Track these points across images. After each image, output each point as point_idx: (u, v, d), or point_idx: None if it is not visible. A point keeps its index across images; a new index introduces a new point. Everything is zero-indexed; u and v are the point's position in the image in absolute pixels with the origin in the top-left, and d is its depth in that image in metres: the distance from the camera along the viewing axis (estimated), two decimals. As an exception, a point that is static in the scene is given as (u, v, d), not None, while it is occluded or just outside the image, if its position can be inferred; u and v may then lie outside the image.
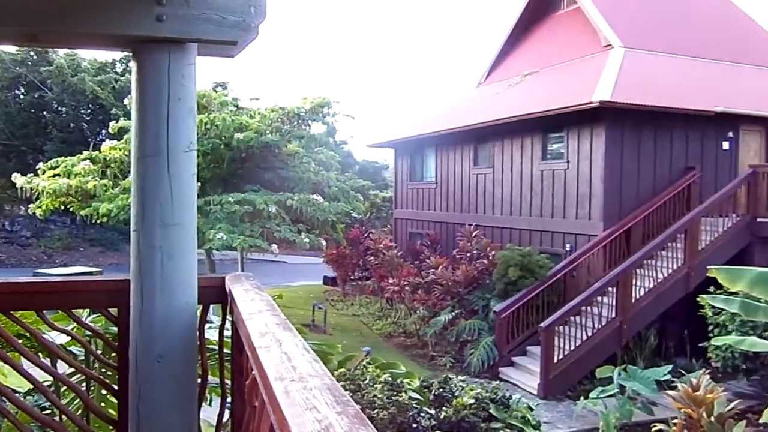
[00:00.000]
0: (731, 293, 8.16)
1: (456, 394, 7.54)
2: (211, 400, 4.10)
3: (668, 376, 10.33)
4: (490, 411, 7.42)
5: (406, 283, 16.60)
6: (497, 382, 12.87)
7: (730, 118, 15.60)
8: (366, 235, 22.71)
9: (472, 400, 7.36)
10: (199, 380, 3.00)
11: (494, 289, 14.80)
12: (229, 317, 3.00)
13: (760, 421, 8.64)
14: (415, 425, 6.83)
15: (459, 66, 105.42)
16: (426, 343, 15.53)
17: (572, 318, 12.92)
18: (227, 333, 3.13)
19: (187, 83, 2.76)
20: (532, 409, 7.89)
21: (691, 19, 19.32)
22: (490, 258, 15.47)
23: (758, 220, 14.10)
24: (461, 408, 7.25)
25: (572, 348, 12.50)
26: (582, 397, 11.00)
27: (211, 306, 3.31)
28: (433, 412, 7.27)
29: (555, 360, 12.37)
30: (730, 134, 16.23)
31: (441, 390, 7.61)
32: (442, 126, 20.39)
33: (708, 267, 7.34)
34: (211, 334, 3.83)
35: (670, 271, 13.28)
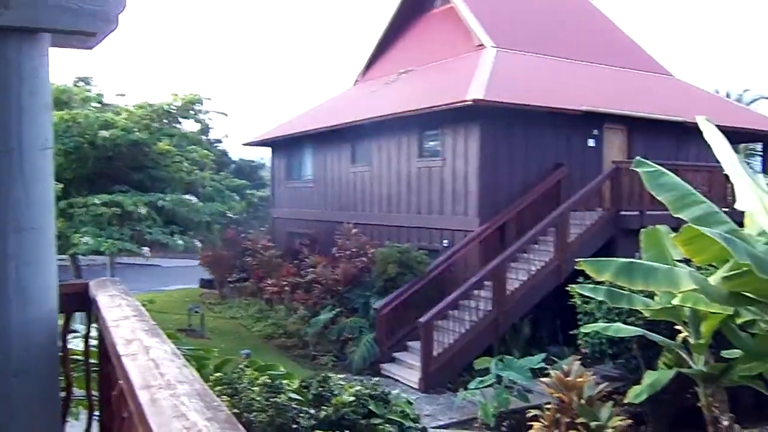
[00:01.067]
0: (598, 283, 8.44)
1: (335, 392, 7.37)
2: (77, 415, 3.78)
3: (542, 364, 10.65)
4: (370, 407, 7.30)
5: (285, 283, 16.30)
6: (378, 378, 12.89)
7: (595, 116, 16.37)
8: (243, 235, 22.14)
9: (352, 398, 7.22)
10: (63, 394, 2.71)
11: (374, 286, 14.78)
12: (94, 325, 2.84)
13: (625, 401, 9.06)
14: (295, 426, 6.60)
15: (337, 62, 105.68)
16: (307, 343, 15.28)
17: (451, 312, 13.09)
18: (93, 342, 2.94)
19: (40, 76, 2.48)
20: (411, 404, 7.84)
21: (559, 22, 20.21)
22: (370, 256, 15.45)
23: (621, 213, 14.86)
24: (341, 406, 7.09)
25: (451, 341, 12.67)
26: (461, 389, 11.16)
27: (78, 314, 3.04)
28: (313, 411, 7.07)
29: (435, 354, 12.48)
30: (596, 132, 17.04)
31: (320, 389, 7.42)
32: (319, 123, 20.23)
33: (576, 259, 7.57)
34: (77, 344, 3.52)
35: (542, 263, 13.74)
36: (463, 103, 14.18)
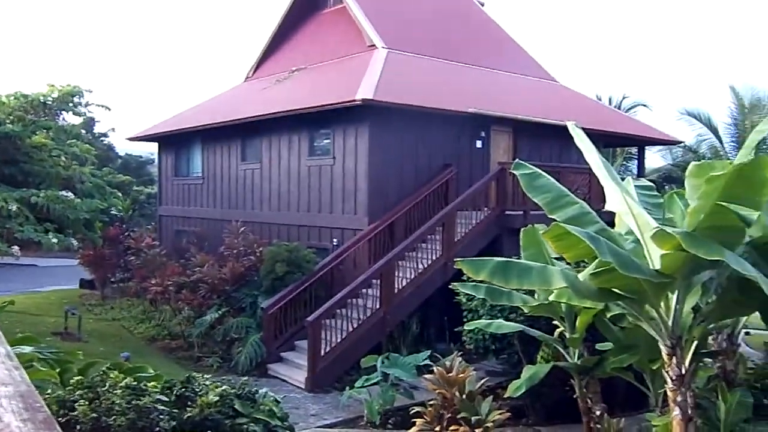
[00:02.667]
0: (481, 280, 8.64)
1: (200, 392, 7.18)
2: None
3: (427, 361, 10.80)
4: (235, 407, 7.15)
5: (170, 282, 15.76)
6: (266, 379, 12.70)
7: (483, 118, 16.81)
8: (126, 233, 21.25)
9: (217, 398, 7.05)
10: None
11: (262, 285, 14.56)
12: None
13: (505, 395, 9.34)
14: (157, 429, 6.37)
15: (228, 58, 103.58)
16: (192, 345, 14.85)
17: (339, 311, 13.08)
18: None
19: None
20: (278, 402, 7.73)
21: (449, 25, 20.63)
22: (258, 254, 15.20)
23: (506, 212, 15.34)
24: (206, 406, 6.91)
25: (339, 340, 12.65)
26: (348, 387, 11.16)
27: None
28: (176, 412, 6.86)
29: (322, 353, 12.43)
30: (483, 134, 17.50)
31: (183, 390, 7.19)
32: (208, 119, 19.74)
33: (455, 259, 7.71)
34: None
35: (429, 261, 13.96)
36: (352, 103, 14.21)
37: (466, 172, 16.67)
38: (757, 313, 7.15)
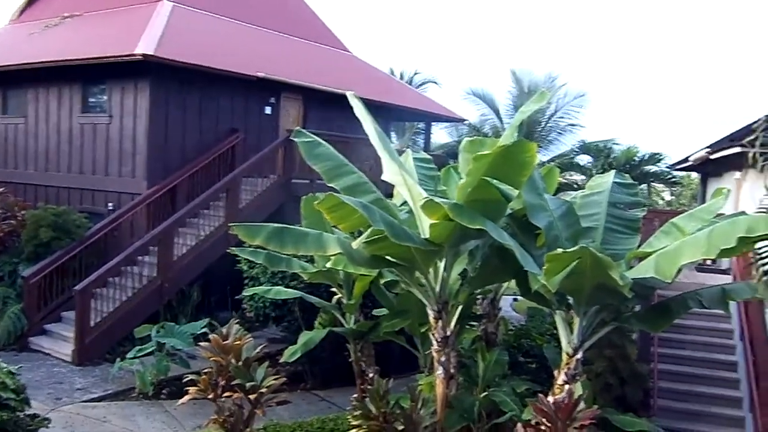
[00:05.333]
0: (260, 246, 8.56)
1: None
2: None
3: (206, 330, 10.54)
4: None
5: None
6: (26, 353, 11.71)
7: (273, 84, 16.57)
8: None
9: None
10: None
11: (23, 252, 13.27)
12: None
13: (281, 360, 9.40)
14: None
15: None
16: (-62, 318, 13.18)
17: (112, 279, 12.32)
18: None
19: None
20: (13, 374, 7.09)
21: (241, -15, 19.97)
22: (19, 218, 13.80)
23: (293, 180, 15.34)
24: None
25: (111, 310, 11.92)
26: (119, 359, 10.60)
27: None
28: None
29: (92, 324, 11.66)
30: (272, 100, 17.29)
31: None
32: (-38, 65, 17.43)
33: (229, 224, 7.56)
34: None
35: (212, 228, 13.58)
36: (132, 57, 13.30)
37: (255, 138, 16.39)
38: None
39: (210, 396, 7.82)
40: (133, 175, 14.55)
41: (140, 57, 13.17)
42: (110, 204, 14.74)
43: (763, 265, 5.99)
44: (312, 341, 9.34)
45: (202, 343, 8.34)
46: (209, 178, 14.67)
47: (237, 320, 8.69)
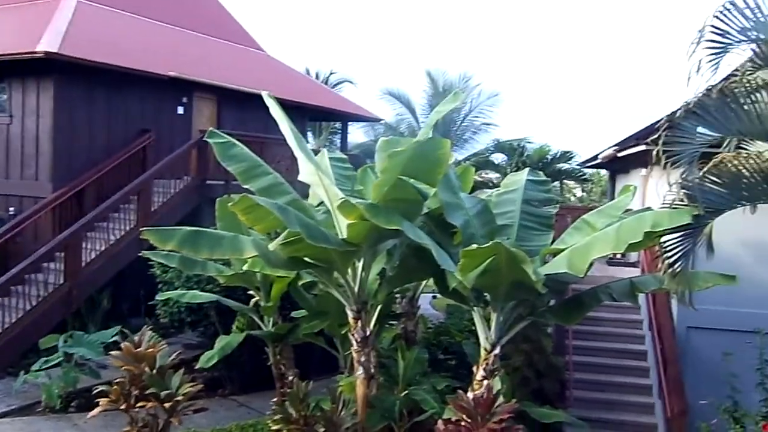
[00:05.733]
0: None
1: None
2: None
3: (117, 338, 10.14)
4: None
5: None
6: None
7: (186, 84, 16.14)
8: None
9: None
10: None
11: None
12: None
13: (197, 366, 9.17)
14: None
15: None
16: None
17: (14, 288, 11.66)
18: None
19: None
20: None
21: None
22: None
23: (207, 182, 14.98)
24: None
25: (13, 320, 11.26)
26: (23, 372, 10.07)
27: None
28: None
29: (-7, 336, 11.00)
30: (185, 99, 16.83)
31: None
32: None
33: (141, 229, 7.29)
34: None
35: (123, 232, 13.08)
36: (33, 55, 12.67)
37: (167, 139, 15.92)
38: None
39: (122, 407, 7.55)
40: (36, 178, 13.86)
41: (42, 55, 12.57)
42: (11, 209, 13.99)
43: (669, 257, 6.22)
44: (229, 346, 9.16)
45: (113, 352, 8.04)
46: (119, 180, 14.12)
47: (150, 327, 8.43)
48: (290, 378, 9.28)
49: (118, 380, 7.87)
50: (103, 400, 7.61)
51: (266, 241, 7.18)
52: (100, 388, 7.85)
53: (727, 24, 5.76)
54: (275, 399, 8.88)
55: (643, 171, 13.89)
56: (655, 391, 10.04)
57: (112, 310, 13.26)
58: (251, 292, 9.54)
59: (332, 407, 7.33)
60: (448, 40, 79.44)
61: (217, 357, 8.94)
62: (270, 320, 9.51)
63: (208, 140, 7.97)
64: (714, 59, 5.70)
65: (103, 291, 13.02)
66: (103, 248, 12.66)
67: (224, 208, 8.52)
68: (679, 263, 6.21)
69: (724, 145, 6.55)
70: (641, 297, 10.67)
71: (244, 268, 7.95)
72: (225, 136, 8.02)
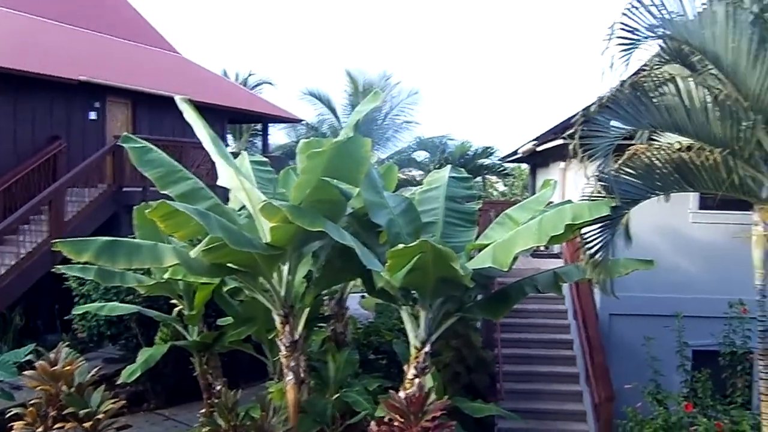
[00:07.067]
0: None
1: None
2: None
3: (31, 356, 9.65)
4: None
5: None
6: None
7: (97, 88, 15.59)
8: None
9: None
10: None
11: None
12: None
13: (119, 381, 8.83)
14: None
15: None
16: None
17: None
18: None
19: None
20: None
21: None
22: None
23: (124, 189, 14.47)
24: None
25: None
26: None
27: None
28: None
29: None
30: (97, 104, 16.23)
31: None
32: None
33: (53, 241, 6.95)
34: None
35: (35, 245, 12.47)
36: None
37: (79, 145, 15.31)
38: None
39: (39, 429, 7.17)
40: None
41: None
42: None
43: (589, 248, 6.37)
44: (153, 358, 8.86)
45: (27, 372, 7.63)
46: (28, 190, 13.44)
47: (67, 343, 8.07)
48: (218, 388, 9.06)
49: (33, 401, 7.49)
50: (17, 424, 7.22)
51: (188, 248, 6.96)
52: (14, 411, 7.45)
53: (636, 21, 5.93)
54: (203, 410, 8.62)
55: (562, 164, 14.24)
56: (583, 378, 10.29)
57: (25, 327, 12.62)
58: (174, 301, 9.27)
59: (262, 415, 7.17)
60: (367, 40, 79.73)
61: (140, 370, 8.62)
62: (195, 329, 9.26)
63: (123, 145, 7.67)
64: (624, 55, 5.86)
65: (15, 308, 12.38)
66: (13, 262, 12.03)
67: (142, 215, 8.20)
68: (600, 253, 6.37)
69: (637, 137, 6.77)
70: (565, 287, 10.93)
71: (165, 276, 7.69)
72: (140, 140, 7.75)
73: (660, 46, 6.30)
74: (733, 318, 8.63)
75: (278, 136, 30.42)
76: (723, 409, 8.07)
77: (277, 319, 7.48)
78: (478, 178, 26.77)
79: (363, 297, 15.24)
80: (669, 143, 6.33)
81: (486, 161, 27.09)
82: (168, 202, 6.01)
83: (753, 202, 6.37)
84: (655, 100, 6.11)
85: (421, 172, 26.32)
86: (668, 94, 6.06)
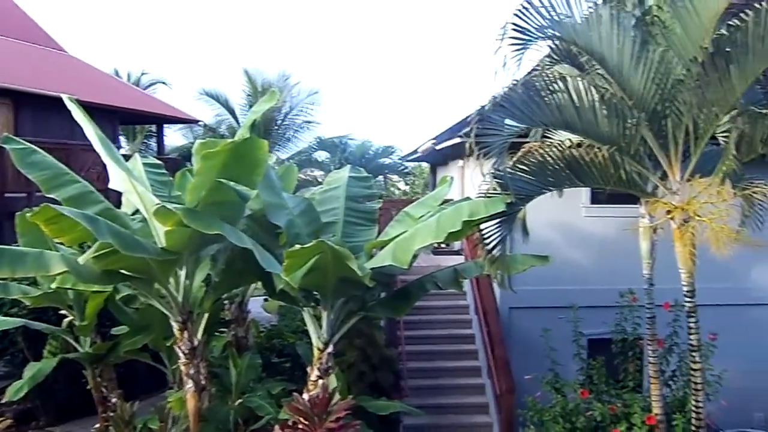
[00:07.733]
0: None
1: None
2: None
3: None
4: None
5: None
6: None
7: (-27, 88, 14.62)
8: None
9: None
10: None
11: None
12: None
13: (4, 400, 8.31)
14: None
15: None
16: None
17: None
18: None
19: None
20: None
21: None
22: None
23: (6, 195, 13.65)
24: None
25: None
26: None
27: None
28: None
29: None
30: (-30, 106, 15.23)
31: None
32: None
33: None
34: None
35: None
36: None
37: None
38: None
39: None
40: None
41: None
42: None
43: (487, 244, 6.51)
44: (41, 373, 8.39)
45: None
46: None
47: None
48: (113, 400, 8.67)
49: None
50: None
51: (77, 254, 6.62)
52: None
53: (527, 22, 6.08)
54: (97, 425, 8.27)
55: (461, 162, 14.51)
56: (485, 371, 10.51)
57: None
58: (63, 311, 8.80)
59: (161, 426, 6.95)
60: (265, 39, 78.77)
61: (28, 387, 8.14)
62: (87, 340, 8.83)
63: (5, 146, 7.21)
64: (516, 55, 6.00)
65: None
66: None
67: (25, 222, 7.75)
68: (497, 249, 6.51)
69: (531, 135, 6.98)
70: (466, 283, 11.12)
71: (53, 286, 7.27)
72: (23, 142, 7.32)
73: (550, 46, 6.51)
74: (624, 307, 9.00)
75: (175, 137, 29.50)
76: (616, 393, 8.41)
77: (175, 326, 7.24)
78: (380, 178, 26.97)
79: (266, 300, 15.03)
80: (561, 141, 6.55)
81: (387, 160, 27.33)
82: (52, 205, 5.70)
83: (639, 195, 6.70)
84: (546, 99, 6.30)
85: (322, 173, 26.23)
86: (559, 92, 6.26)
